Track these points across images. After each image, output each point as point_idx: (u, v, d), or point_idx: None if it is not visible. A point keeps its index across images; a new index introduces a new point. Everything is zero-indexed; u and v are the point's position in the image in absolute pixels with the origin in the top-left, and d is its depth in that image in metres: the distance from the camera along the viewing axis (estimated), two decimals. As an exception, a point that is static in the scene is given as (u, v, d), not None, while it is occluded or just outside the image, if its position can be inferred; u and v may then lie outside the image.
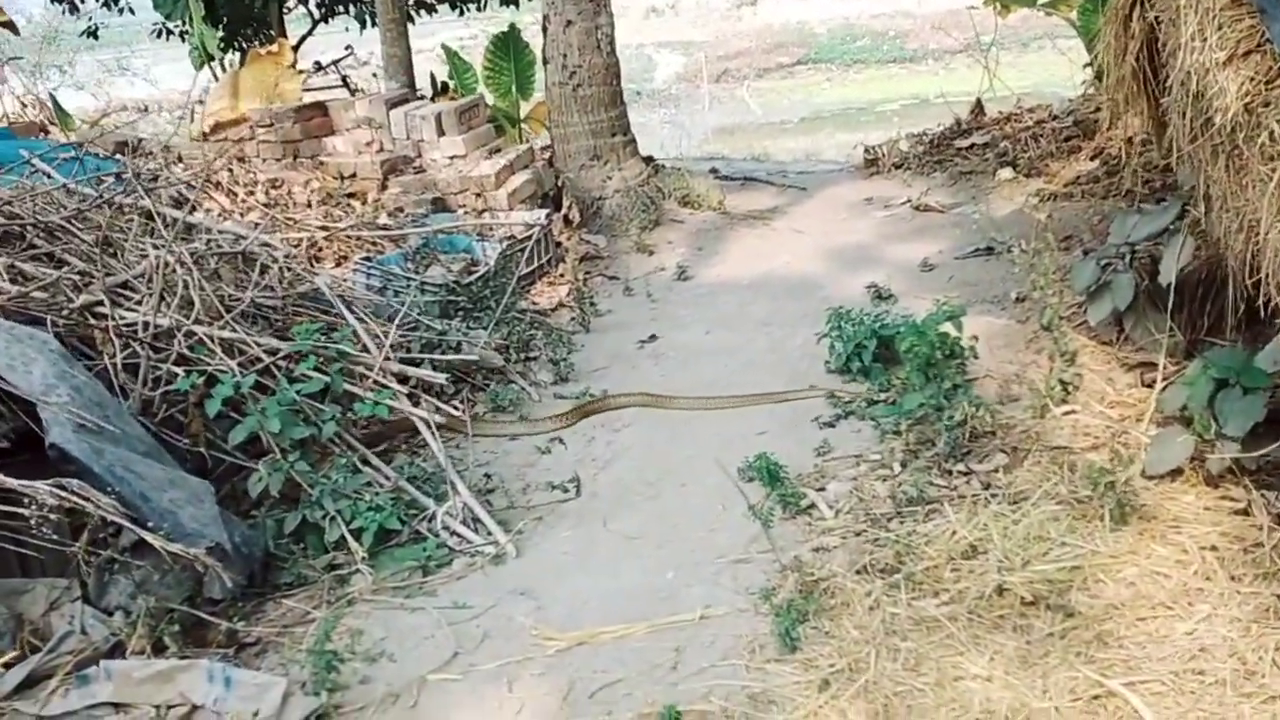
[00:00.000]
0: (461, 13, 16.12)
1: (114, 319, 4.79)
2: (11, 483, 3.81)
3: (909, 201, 9.68)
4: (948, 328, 5.51)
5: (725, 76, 35.11)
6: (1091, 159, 9.58)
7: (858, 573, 4.10)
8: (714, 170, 11.90)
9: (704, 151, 19.05)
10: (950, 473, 4.70)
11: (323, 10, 15.42)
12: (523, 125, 13.08)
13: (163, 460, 4.32)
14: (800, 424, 5.63)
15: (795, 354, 6.59)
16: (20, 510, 3.84)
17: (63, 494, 3.74)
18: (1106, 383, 5.18)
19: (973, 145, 11.13)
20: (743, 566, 4.39)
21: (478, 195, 8.75)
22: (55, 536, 3.88)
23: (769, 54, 36.27)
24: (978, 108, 12.52)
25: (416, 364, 5.75)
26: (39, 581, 4.33)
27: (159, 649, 4.01)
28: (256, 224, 7.62)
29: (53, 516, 3.75)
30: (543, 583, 4.49)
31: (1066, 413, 5.04)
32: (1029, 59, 25.26)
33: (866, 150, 11.57)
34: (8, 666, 3.92)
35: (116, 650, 4.06)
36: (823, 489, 4.84)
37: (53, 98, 14.87)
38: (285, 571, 4.57)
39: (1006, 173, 9.92)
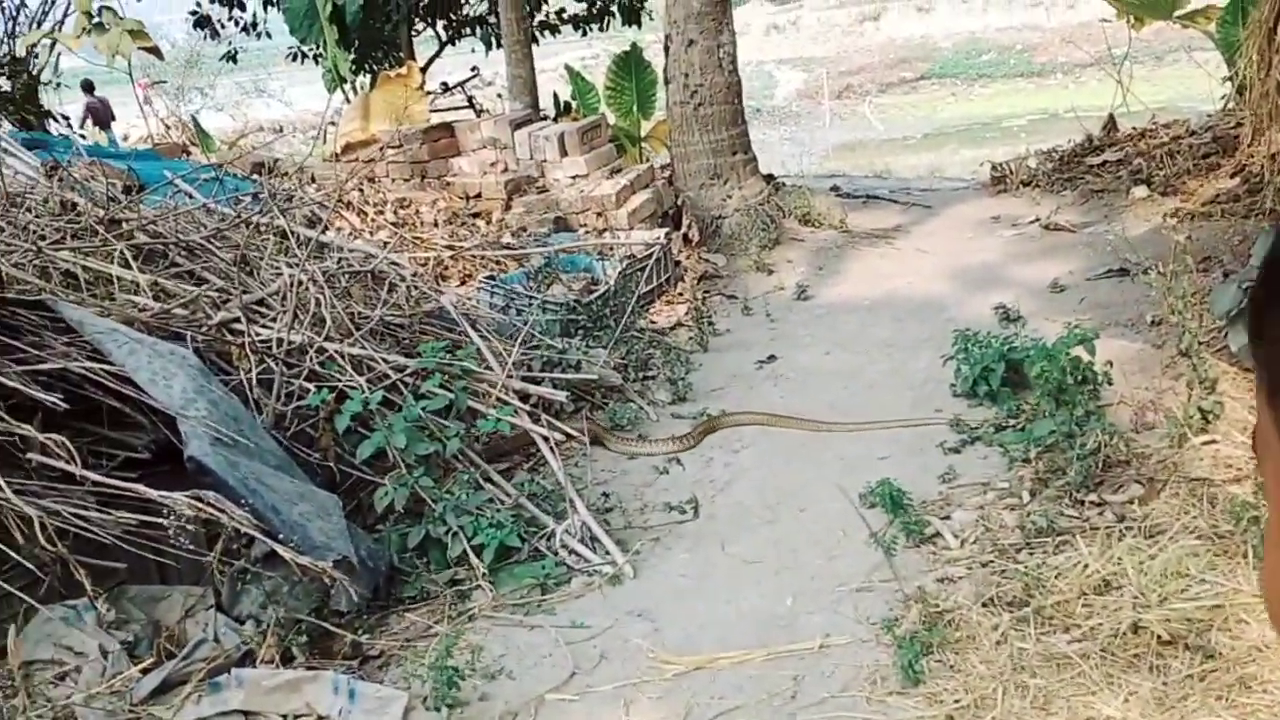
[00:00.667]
0: (585, 33, 16.31)
1: (250, 335, 4.94)
2: (151, 493, 3.96)
3: (1038, 220, 9.44)
4: (1080, 352, 5.34)
5: (847, 92, 34.78)
6: (1231, 176, 9.21)
7: (984, 605, 3.99)
8: (835, 188, 11.78)
9: (825, 169, 18.91)
10: (1082, 503, 4.55)
11: (450, 33, 15.77)
12: (643, 144, 13.15)
13: (293, 474, 4.44)
14: (925, 449, 5.52)
15: (919, 377, 6.47)
16: (159, 520, 3.99)
17: (199, 505, 3.86)
18: (1249, 411, 4.95)
19: (1105, 162, 10.80)
20: (864, 595, 4.31)
21: (599, 214, 8.81)
22: (191, 546, 4.02)
23: (892, 69, 35.82)
24: (1110, 123, 12.16)
25: (537, 382, 5.80)
26: (176, 589, 4.50)
27: (287, 659, 4.12)
28: (385, 243, 7.81)
29: (190, 527, 3.88)
30: (660, 605, 4.48)
31: (1206, 442, 4.83)
32: (1163, 73, 24.41)
33: (993, 167, 11.32)
34: (145, 672, 4.07)
35: (247, 658, 4.19)
36: (948, 517, 4.73)
37: (194, 119, 15.56)
38: (408, 585, 4.65)
39: (1141, 191, 9.60)
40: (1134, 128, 11.80)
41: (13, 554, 3.96)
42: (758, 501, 5.27)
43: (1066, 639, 3.70)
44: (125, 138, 16.75)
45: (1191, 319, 5.00)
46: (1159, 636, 3.58)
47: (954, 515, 4.73)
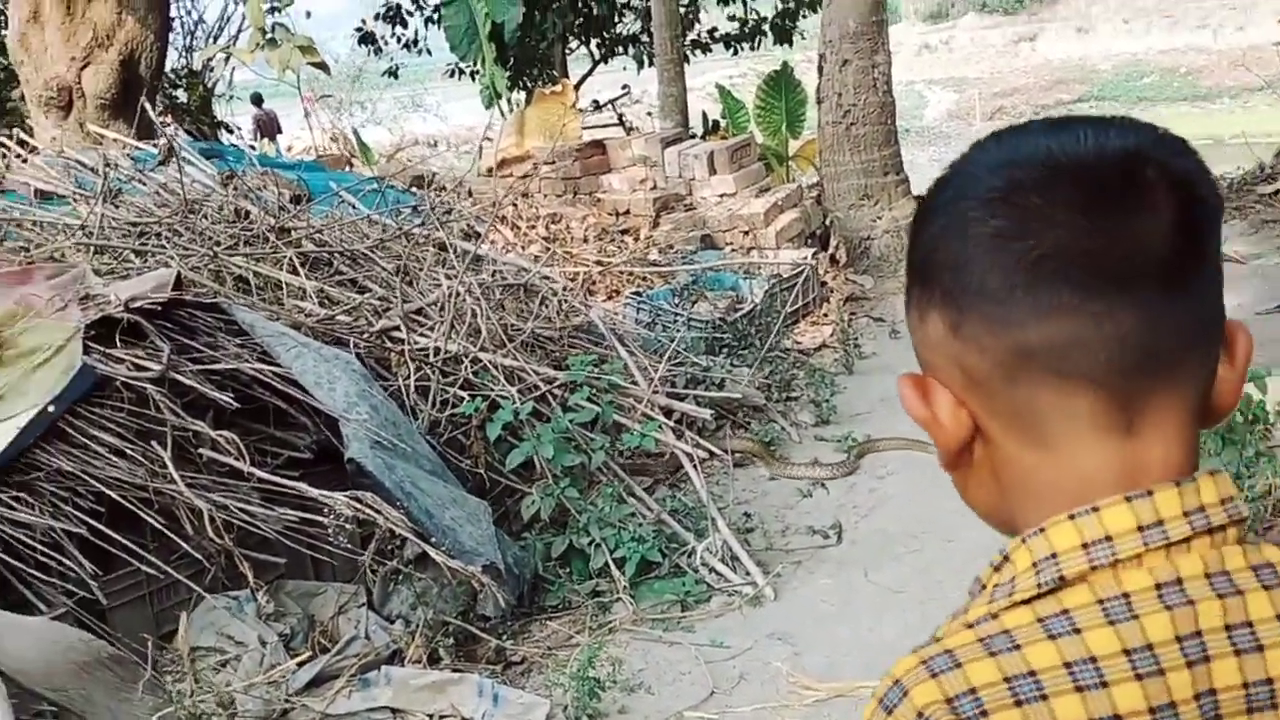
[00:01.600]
0: (736, 52, 16.37)
1: (409, 343, 5.10)
2: (313, 492, 4.12)
3: (1203, 250, 9.05)
4: (1250, 389, 5.12)
5: (999, 114, 33.99)
6: None
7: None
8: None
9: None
10: (1250, 547, 4.34)
11: (603, 51, 16.02)
12: (790, 163, 13.12)
13: (446, 479, 4.56)
14: (1078, 483, 5.35)
15: (1073, 408, 6.28)
16: (319, 518, 4.15)
17: (358, 506, 4.00)
18: None
19: (1278, 192, 10.31)
20: (1012, 630, 4.19)
21: (745, 233, 8.83)
22: (348, 545, 4.17)
23: (1048, 91, 34.87)
24: (1284, 151, 11.61)
25: (681, 398, 5.83)
26: (330, 586, 4.66)
27: (433, 659, 4.23)
28: (536, 257, 7.97)
29: (347, 526, 4.03)
30: (800, 629, 4.45)
31: (1388, 490, 4.56)
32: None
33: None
34: (300, 664, 4.23)
35: (395, 657, 4.32)
36: (1103, 554, 4.56)
37: (355, 133, 16.14)
38: (551, 594, 4.72)
39: (1318, 222, 9.15)
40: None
41: (183, 543, 4.17)
42: (902, 529, 5.19)
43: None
44: (290, 149, 17.48)
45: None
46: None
47: (1110, 553, 4.56)
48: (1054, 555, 0.79)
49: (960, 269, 0.80)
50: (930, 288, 0.84)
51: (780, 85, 12.73)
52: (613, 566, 4.74)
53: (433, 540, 4.13)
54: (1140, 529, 0.78)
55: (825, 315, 8.29)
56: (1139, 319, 0.77)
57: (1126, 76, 34.60)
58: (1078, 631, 0.77)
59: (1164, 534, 0.78)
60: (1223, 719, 0.76)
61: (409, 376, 5.02)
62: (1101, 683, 0.76)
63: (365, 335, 5.20)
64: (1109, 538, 0.78)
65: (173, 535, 4.14)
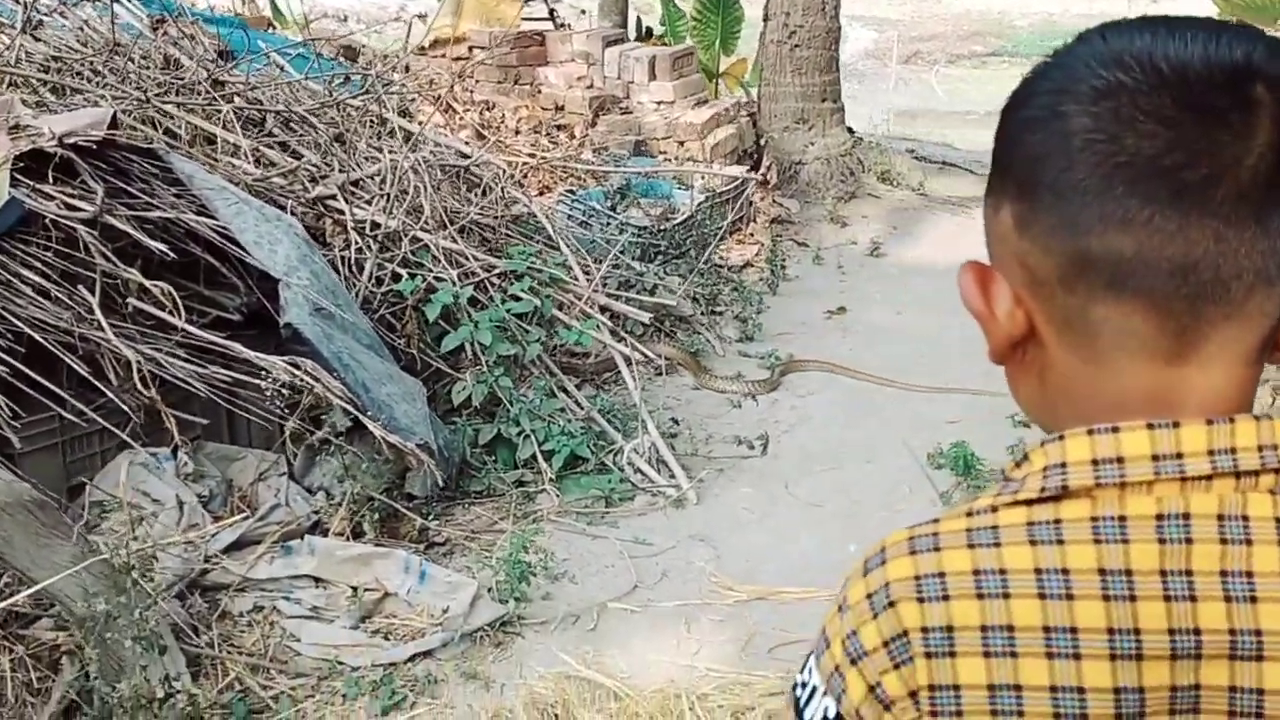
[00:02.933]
0: (676, -41, 16.02)
1: (348, 214, 4.95)
2: (248, 354, 4.00)
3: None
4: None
5: (915, 59, 34.26)
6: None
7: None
8: (911, 150, 11.65)
9: (881, 132, 18.69)
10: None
11: (540, -59, 15.53)
12: (719, 81, 13.01)
13: (382, 355, 4.47)
14: (995, 420, 5.49)
15: (990, 347, 6.44)
16: (247, 380, 4.03)
17: (295, 372, 3.90)
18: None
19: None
20: (928, 551, 4.33)
21: (680, 144, 8.75)
22: (279, 410, 4.07)
23: (964, 41, 35.19)
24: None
25: (617, 300, 5.80)
26: (250, 452, 4.56)
27: (357, 534, 4.18)
28: (467, 142, 7.78)
29: (284, 392, 3.92)
30: (721, 533, 4.52)
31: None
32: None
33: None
34: (220, 528, 4.14)
35: (316, 528, 4.26)
36: (1017, 487, 4.72)
37: (271, -1, 15.41)
38: (476, 480, 4.70)
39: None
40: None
41: (107, 391, 4.01)
42: (823, 448, 5.29)
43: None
44: (193, 3, 16.62)
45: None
46: None
47: (1023, 486, 4.72)
48: (1063, 464, 0.79)
49: (1039, 163, 0.78)
50: (1007, 178, 0.82)
51: (719, 0, 12.57)
52: (540, 458, 4.73)
53: (369, 414, 4.06)
54: (1155, 458, 0.77)
55: (751, 235, 8.31)
56: (1211, 244, 0.74)
57: (1041, 35, 35.15)
58: (1061, 542, 0.77)
59: (1180, 467, 0.76)
60: (1204, 659, 0.75)
61: (345, 248, 4.88)
62: (1066, 594, 0.76)
63: (301, 200, 5.02)
64: (1120, 459, 0.77)
65: (96, 383, 3.98)
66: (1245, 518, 0.76)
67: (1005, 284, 0.83)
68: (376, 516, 4.19)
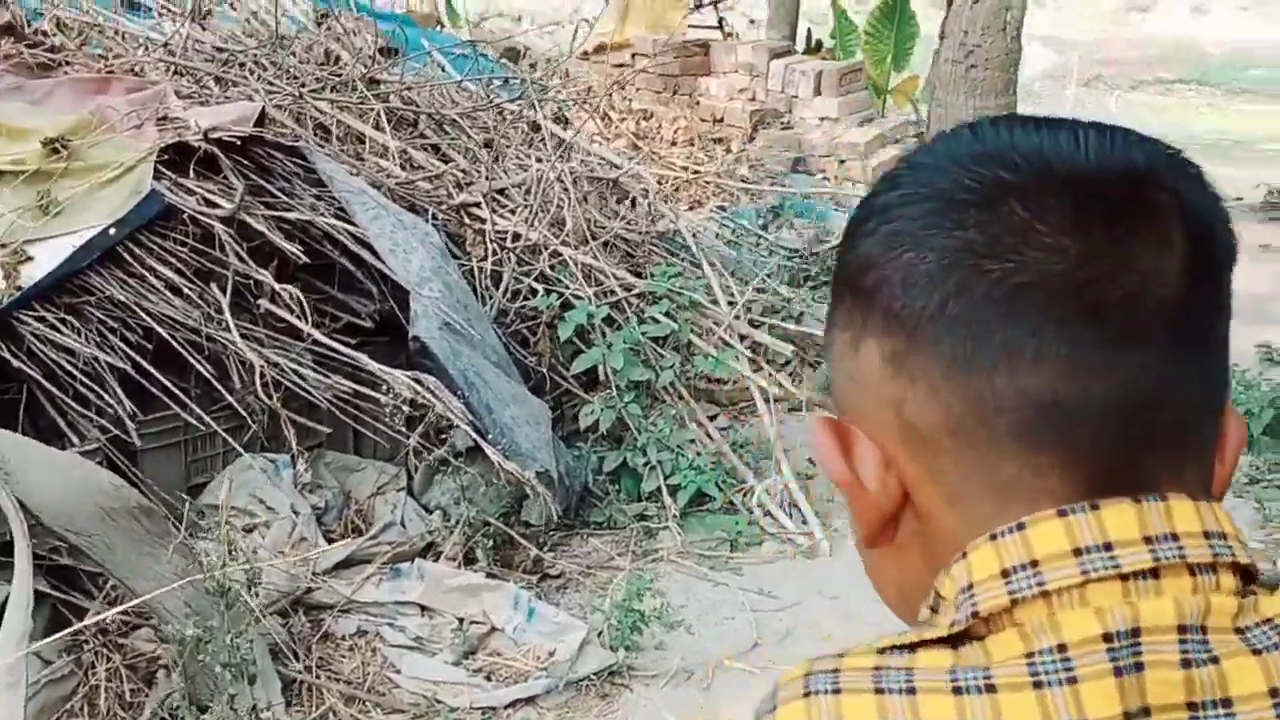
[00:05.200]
0: (851, -29, 15.61)
1: (490, 222, 4.81)
2: (373, 365, 3.88)
3: (1318, 257, 8.57)
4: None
5: (1095, 82, 32.93)
6: None
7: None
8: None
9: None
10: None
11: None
12: (888, 97, 12.59)
13: (510, 374, 4.30)
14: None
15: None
16: (373, 394, 3.91)
17: (418, 389, 3.75)
18: None
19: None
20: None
21: (840, 163, 8.41)
22: (401, 427, 3.94)
23: (1149, 66, 33.65)
24: None
25: (759, 327, 5.53)
26: (370, 464, 4.45)
27: (469, 559, 4.02)
28: (620, 151, 7.61)
29: (405, 408, 3.78)
30: (853, 591, 4.18)
31: None
32: None
33: (1269, 192, 10.36)
34: (330, 541, 4.03)
35: (429, 550, 4.11)
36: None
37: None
38: (597, 510, 4.50)
39: None
40: None
41: (227, 395, 3.95)
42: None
43: None
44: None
45: None
46: None
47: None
48: (970, 586, 0.62)
49: (912, 286, 0.62)
50: (868, 306, 0.65)
51: (894, 14, 12.14)
52: (665, 492, 4.50)
53: (489, 437, 3.89)
54: (1077, 552, 0.59)
55: (910, 262, 7.91)
56: (1141, 376, 0.61)
57: (1233, 65, 33.34)
58: (992, 690, 0.58)
59: (1113, 561, 0.59)
60: None
61: (484, 258, 4.74)
62: None
63: (444, 207, 4.91)
64: (1034, 562, 0.60)
65: (218, 385, 3.92)
66: (1204, 629, 0.58)
67: (869, 442, 0.66)
68: (491, 543, 4.02)
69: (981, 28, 8.61)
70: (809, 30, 13.77)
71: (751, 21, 15.09)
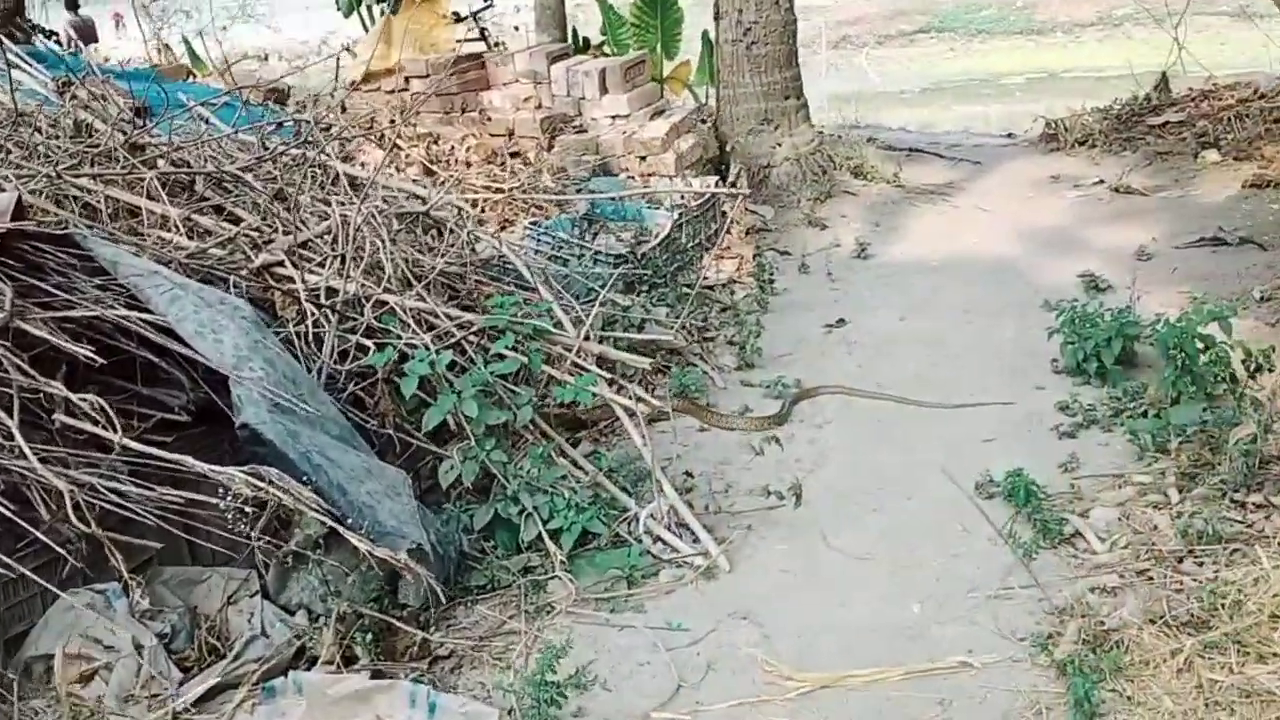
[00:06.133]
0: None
1: (300, 282, 4.35)
2: (201, 467, 3.39)
3: (1103, 182, 8.90)
4: (1215, 330, 4.85)
5: (844, 43, 34.23)
6: (1314, 143, 8.69)
7: (1154, 622, 3.49)
8: (873, 139, 11.16)
9: (819, 120, 18.26)
10: (1243, 505, 4.04)
11: (464, -41, 14.91)
12: (664, 85, 12.49)
13: (357, 446, 3.88)
14: (1035, 431, 5.02)
15: (1008, 348, 5.95)
16: (208, 498, 3.43)
17: (259, 484, 3.30)
18: None
19: (1166, 123, 10.24)
20: (1002, 604, 3.81)
21: (642, 159, 8.20)
22: (246, 528, 3.46)
23: (890, 20, 35.15)
24: (1163, 83, 11.58)
25: (603, 342, 5.24)
26: (214, 571, 3.94)
27: (348, 660, 3.59)
28: (415, 180, 7.18)
29: (247, 509, 3.32)
30: (765, 606, 3.96)
31: (1366, 438, 4.33)
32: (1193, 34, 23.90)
33: (1047, 124, 10.74)
34: (185, 670, 3.53)
35: (301, 656, 3.66)
36: (1086, 514, 4.22)
37: (187, 42, 14.73)
38: (477, 573, 4.11)
39: (1212, 155, 9.07)
40: (1190, 88, 11.24)
41: (33, 531, 3.40)
42: (854, 486, 4.76)
43: (1265, 670, 3.21)
44: (106, 59, 15.88)
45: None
46: (1382, 674, 3.09)
47: (1092, 513, 4.22)
48: None
49: None
50: None
51: (656, 2, 12.06)
52: (547, 539, 4.16)
53: (349, 521, 3.47)
54: None
55: (729, 249, 7.77)
56: None
57: (966, 8, 35.17)
58: None
59: None
60: None
61: (300, 321, 4.28)
62: None
63: (245, 272, 4.42)
64: None
65: (20, 521, 3.36)
66: None
67: None
68: (369, 636, 3.60)
69: (755, 3, 8.57)
70: (574, 29, 13.56)
71: (516, 28, 14.78)
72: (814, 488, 4.74)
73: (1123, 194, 8.53)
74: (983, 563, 4.06)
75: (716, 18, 9.01)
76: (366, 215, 4.66)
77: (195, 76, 10.60)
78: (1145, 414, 4.84)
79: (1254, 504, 4.02)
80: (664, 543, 4.27)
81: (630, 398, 4.61)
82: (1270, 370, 4.65)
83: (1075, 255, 7.26)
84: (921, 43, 35.18)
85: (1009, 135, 11.91)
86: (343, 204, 4.83)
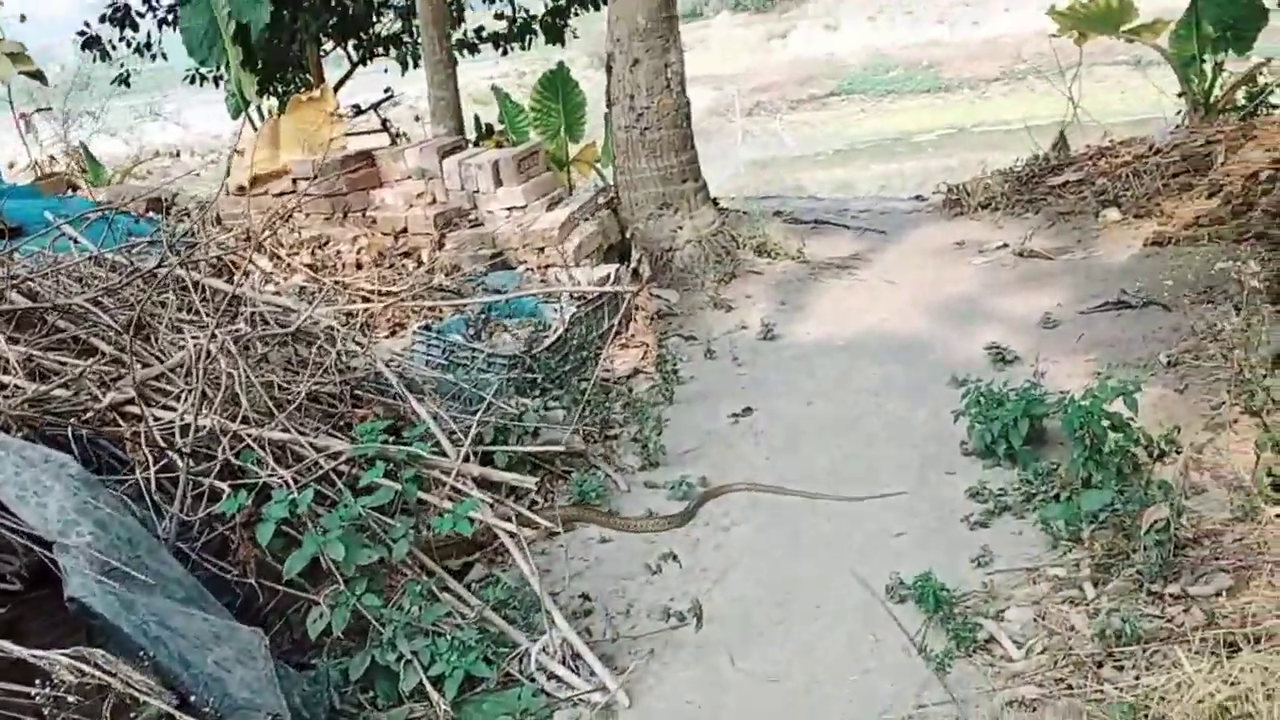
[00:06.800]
0: (505, 52, 15.45)
1: (148, 422, 4.02)
2: (21, 653, 3.03)
3: (1007, 246, 8.85)
4: (1119, 406, 4.70)
5: (757, 110, 34.79)
6: (1209, 197, 8.73)
7: (1077, 742, 3.26)
8: (779, 212, 11.09)
9: (735, 186, 18.25)
10: (1160, 597, 3.84)
11: (361, 52, 14.77)
12: (570, 168, 12.38)
13: (206, 606, 3.53)
14: (946, 522, 4.80)
15: (920, 432, 5.76)
16: (26, 688, 3.07)
17: (85, 669, 2.95)
18: (1329, 477, 4.31)
19: (1066, 183, 10.29)
20: (919, 726, 3.55)
21: (540, 250, 7.98)
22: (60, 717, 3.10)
23: (801, 86, 35.83)
24: (1060, 141, 11.72)
25: (491, 457, 4.96)
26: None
27: None
28: (303, 289, 6.89)
29: (71, 698, 2.97)
30: (668, 743, 3.67)
31: (1281, 514, 4.18)
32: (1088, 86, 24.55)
33: (949, 189, 10.75)
34: None
35: None
36: (1000, 616, 3.99)
37: (84, 147, 14.37)
38: (353, 730, 3.77)
39: (1112, 213, 9.08)
40: (1087, 145, 11.36)
41: None
42: (763, 595, 4.49)
43: (1197, 795, 2.97)
44: (11, 166, 15.47)
45: (1259, 368, 4.33)
46: (1319, 792, 2.87)
47: (1008, 614, 3.99)
48: None
49: None
50: None
51: (557, 86, 11.97)
52: (429, 686, 3.83)
53: (193, 699, 3.12)
54: None
55: (634, 337, 7.56)
56: None
57: (873, 70, 36.00)
58: None
59: None
60: None
61: (149, 466, 3.94)
62: None
63: (89, 415, 4.08)
64: None
65: None
66: None
67: None
68: (227, 822, 3.23)
69: (646, 89, 8.48)
70: (476, 117, 13.43)
71: (417, 118, 14.62)
72: (720, 601, 4.47)
73: (1027, 258, 8.47)
74: (896, 678, 3.81)
75: (609, 104, 8.89)
76: (223, 341, 4.35)
77: (76, 189, 10.23)
78: (1058, 497, 4.66)
79: (1171, 595, 3.82)
80: (559, 680, 3.96)
81: (513, 518, 4.32)
82: (1178, 452, 4.49)
83: (982, 326, 7.14)
84: (833, 105, 35.87)
85: (918, 198, 11.93)
86: (200, 327, 4.52)
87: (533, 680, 3.95)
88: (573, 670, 3.99)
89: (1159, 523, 3.96)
